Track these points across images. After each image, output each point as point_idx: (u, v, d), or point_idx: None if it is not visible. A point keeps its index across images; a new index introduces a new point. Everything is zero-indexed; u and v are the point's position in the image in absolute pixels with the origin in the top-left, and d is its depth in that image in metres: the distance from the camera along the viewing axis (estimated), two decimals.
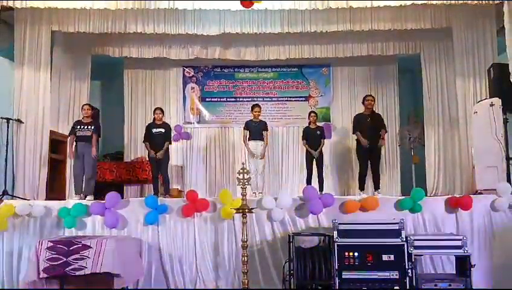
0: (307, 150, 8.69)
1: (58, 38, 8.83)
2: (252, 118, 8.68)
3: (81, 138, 7.60)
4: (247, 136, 8.55)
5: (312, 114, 8.95)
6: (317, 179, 8.54)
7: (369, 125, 7.89)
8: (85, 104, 8.00)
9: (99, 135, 7.82)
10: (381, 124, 8.09)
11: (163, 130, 8.25)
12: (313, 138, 8.69)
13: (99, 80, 11.43)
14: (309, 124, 8.87)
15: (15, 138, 7.75)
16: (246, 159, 8.89)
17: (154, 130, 8.24)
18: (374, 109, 8.22)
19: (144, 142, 8.43)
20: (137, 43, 9.74)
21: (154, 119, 8.46)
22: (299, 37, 9.43)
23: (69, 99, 9.18)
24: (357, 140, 8.04)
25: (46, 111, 8.09)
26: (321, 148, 8.64)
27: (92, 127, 7.66)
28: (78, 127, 7.66)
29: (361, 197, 6.69)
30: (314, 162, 8.60)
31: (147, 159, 9.51)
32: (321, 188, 8.32)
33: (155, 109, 8.61)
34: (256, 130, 8.53)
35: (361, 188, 8.02)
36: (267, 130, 8.66)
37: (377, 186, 7.97)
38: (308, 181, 8.47)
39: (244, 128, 8.66)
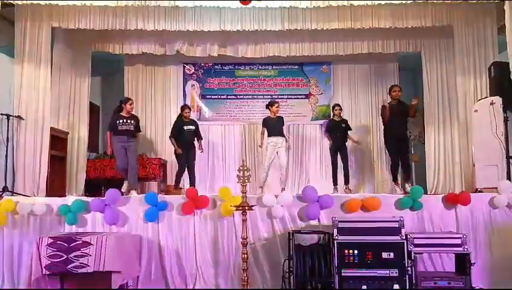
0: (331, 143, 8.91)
1: (59, 34, 8.82)
2: (270, 114, 8.77)
3: (123, 132, 7.67)
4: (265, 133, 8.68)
5: (337, 107, 9.05)
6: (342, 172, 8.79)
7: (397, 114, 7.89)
8: (129, 99, 8.03)
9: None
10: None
11: (193, 127, 8.63)
12: (339, 130, 8.87)
13: (100, 77, 11.44)
14: (333, 116, 9.05)
15: (15, 135, 7.74)
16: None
17: (186, 127, 8.55)
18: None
19: (170, 137, 8.75)
20: (137, 40, 9.72)
21: (181, 116, 8.72)
22: (300, 35, 9.41)
23: (70, 96, 9.17)
24: (384, 130, 8.20)
25: (47, 108, 8.08)
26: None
27: (133, 121, 7.76)
28: (121, 121, 7.70)
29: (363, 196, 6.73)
30: (339, 155, 8.77)
31: (148, 156, 9.57)
32: (347, 181, 8.69)
33: (184, 106, 9.00)
34: (276, 126, 8.68)
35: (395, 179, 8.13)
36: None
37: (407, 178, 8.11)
38: (334, 175, 8.73)
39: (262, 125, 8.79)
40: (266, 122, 8.69)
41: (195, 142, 8.76)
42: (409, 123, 10.30)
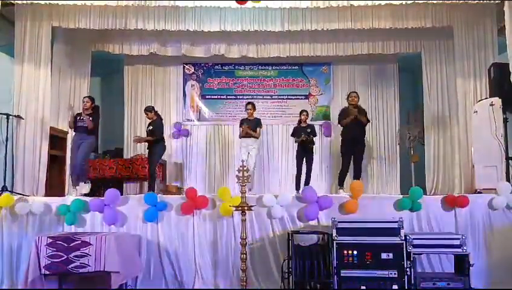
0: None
1: (59, 34, 8.83)
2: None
3: (79, 128, 7.58)
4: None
5: (304, 112, 8.84)
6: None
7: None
8: (84, 97, 7.95)
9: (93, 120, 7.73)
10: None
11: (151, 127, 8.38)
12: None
13: (100, 77, 11.45)
14: (299, 122, 8.81)
15: (15, 134, 7.74)
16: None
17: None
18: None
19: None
20: (137, 39, 9.73)
21: None
22: (300, 35, 9.42)
23: (69, 96, 9.19)
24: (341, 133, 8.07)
25: (46, 107, 8.08)
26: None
27: (90, 118, 7.61)
28: (78, 118, 7.64)
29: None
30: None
31: (146, 156, 9.53)
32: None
33: None
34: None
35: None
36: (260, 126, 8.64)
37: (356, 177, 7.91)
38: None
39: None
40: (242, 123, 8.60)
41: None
42: (409, 123, 10.40)
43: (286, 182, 10.68)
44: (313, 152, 8.72)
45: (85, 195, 7.09)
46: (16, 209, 6.19)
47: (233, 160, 10.77)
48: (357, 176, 7.86)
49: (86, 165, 7.73)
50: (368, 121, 8.03)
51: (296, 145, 8.76)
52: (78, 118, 7.64)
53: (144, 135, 10.48)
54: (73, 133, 7.76)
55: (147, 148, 8.41)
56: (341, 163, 8.02)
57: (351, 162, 7.92)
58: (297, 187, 8.51)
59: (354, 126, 7.77)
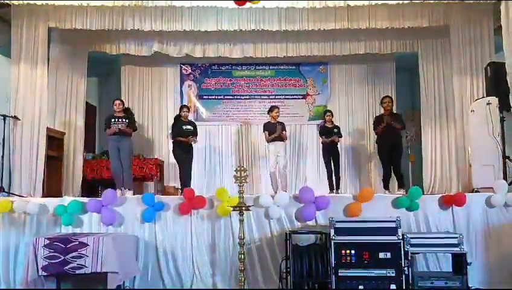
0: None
1: (55, 35, 8.81)
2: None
3: (117, 132, 7.61)
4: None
5: (328, 113, 9.10)
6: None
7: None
8: (116, 99, 8.02)
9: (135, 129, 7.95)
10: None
11: (191, 128, 8.48)
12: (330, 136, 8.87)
13: (96, 77, 11.43)
14: (325, 122, 9.05)
15: (11, 135, 7.73)
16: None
17: (184, 128, 8.42)
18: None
19: (174, 139, 8.51)
20: (134, 40, 9.71)
21: (180, 116, 8.57)
22: (297, 35, 9.42)
23: (66, 96, 9.14)
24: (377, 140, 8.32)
25: (43, 108, 8.05)
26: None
27: (126, 120, 7.70)
28: (112, 120, 7.68)
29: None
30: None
31: (144, 157, 9.55)
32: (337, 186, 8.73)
33: (182, 106, 8.84)
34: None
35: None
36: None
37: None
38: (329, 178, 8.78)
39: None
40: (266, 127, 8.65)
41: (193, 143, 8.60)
42: (406, 122, 10.42)
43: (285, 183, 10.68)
44: (339, 152, 8.97)
45: None
46: (13, 210, 6.16)
47: (231, 160, 10.78)
48: (399, 181, 8.06)
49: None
50: (404, 127, 8.18)
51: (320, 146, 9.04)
52: (113, 120, 7.68)
53: (143, 135, 10.61)
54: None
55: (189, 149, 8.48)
56: (382, 168, 8.27)
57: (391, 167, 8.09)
58: (331, 187, 8.67)
59: (388, 133, 7.89)
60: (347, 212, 6.09)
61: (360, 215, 6.00)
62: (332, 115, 9.07)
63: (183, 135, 8.34)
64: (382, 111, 8.38)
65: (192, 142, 8.42)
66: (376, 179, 10.48)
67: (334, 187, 8.72)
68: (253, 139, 10.85)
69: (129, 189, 7.49)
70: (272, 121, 8.66)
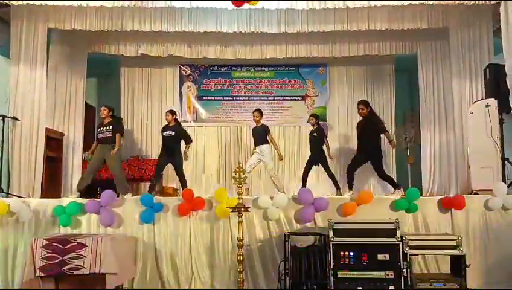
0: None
1: (55, 35, 8.82)
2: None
3: (101, 140, 7.63)
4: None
5: (310, 117, 9.08)
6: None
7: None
8: (103, 106, 8.00)
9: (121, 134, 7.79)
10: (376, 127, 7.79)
11: (172, 133, 8.25)
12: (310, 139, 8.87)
13: (96, 78, 11.42)
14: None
15: (10, 136, 7.73)
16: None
17: (164, 133, 8.32)
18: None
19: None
20: (134, 41, 9.71)
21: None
22: (296, 37, 9.42)
23: (65, 97, 9.16)
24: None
25: (42, 109, 8.05)
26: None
27: (111, 127, 7.65)
28: (99, 129, 7.70)
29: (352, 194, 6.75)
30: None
31: (143, 157, 9.56)
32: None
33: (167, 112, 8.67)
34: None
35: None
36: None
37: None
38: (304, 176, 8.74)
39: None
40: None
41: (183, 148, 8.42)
42: (405, 124, 10.44)
43: (284, 183, 10.67)
44: (322, 155, 8.82)
45: None
46: (11, 210, 6.15)
47: (230, 161, 10.78)
48: (389, 183, 7.88)
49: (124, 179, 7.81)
50: (382, 130, 7.71)
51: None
52: (99, 129, 7.70)
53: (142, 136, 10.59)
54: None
55: (170, 153, 8.22)
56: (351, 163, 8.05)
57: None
58: (304, 184, 8.63)
59: (363, 138, 7.77)
60: (341, 211, 6.10)
61: (355, 214, 6.00)
62: (314, 119, 8.96)
63: (164, 141, 8.28)
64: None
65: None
66: (375, 181, 10.48)
67: (335, 188, 8.74)
68: (252, 141, 10.82)
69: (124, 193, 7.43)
70: (257, 125, 8.71)
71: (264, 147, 8.54)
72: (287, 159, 10.74)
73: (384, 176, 7.83)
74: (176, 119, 8.51)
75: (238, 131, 11.03)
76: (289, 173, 10.81)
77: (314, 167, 8.91)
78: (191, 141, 8.53)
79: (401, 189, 7.48)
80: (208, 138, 11.00)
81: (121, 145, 7.73)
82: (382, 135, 7.71)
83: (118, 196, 6.84)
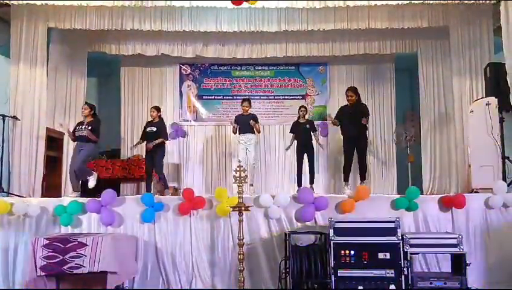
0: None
1: (55, 35, 8.82)
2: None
3: (79, 138, 7.47)
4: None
5: (302, 108, 8.94)
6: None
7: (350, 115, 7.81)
8: (84, 104, 7.92)
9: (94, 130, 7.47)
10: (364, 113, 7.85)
11: (154, 129, 8.22)
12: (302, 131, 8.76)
13: (96, 77, 11.42)
14: (298, 118, 8.91)
15: (11, 135, 7.73)
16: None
17: (148, 129, 8.28)
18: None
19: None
20: (134, 40, 9.73)
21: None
22: (296, 36, 9.43)
23: (66, 97, 9.17)
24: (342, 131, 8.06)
25: (42, 108, 8.07)
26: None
27: (89, 127, 7.47)
28: (77, 127, 7.56)
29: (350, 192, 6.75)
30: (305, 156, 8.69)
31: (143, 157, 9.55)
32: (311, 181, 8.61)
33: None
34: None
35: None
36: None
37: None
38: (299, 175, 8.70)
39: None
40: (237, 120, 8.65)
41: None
42: (405, 123, 10.43)
43: (284, 182, 10.71)
44: (313, 148, 8.80)
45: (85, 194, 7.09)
46: (12, 210, 6.15)
47: (231, 160, 10.78)
48: (361, 173, 7.95)
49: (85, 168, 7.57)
50: (367, 115, 7.79)
51: (295, 141, 8.84)
52: (77, 127, 7.53)
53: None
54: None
55: (149, 150, 8.19)
56: (343, 160, 8.07)
57: (355, 159, 7.95)
58: (299, 184, 8.58)
59: (349, 125, 7.79)
60: (340, 209, 6.09)
61: (354, 212, 5.99)
62: (306, 111, 8.95)
63: (146, 137, 8.26)
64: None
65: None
66: (375, 178, 10.50)
67: (308, 182, 8.67)
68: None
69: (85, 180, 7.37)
70: (244, 114, 8.63)
71: (252, 135, 8.52)
72: (287, 158, 10.73)
73: (363, 163, 7.90)
74: (160, 116, 8.49)
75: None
76: (289, 172, 10.78)
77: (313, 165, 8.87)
78: (167, 139, 8.50)
79: (360, 185, 7.44)
80: (208, 137, 11.00)
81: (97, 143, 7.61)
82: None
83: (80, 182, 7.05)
